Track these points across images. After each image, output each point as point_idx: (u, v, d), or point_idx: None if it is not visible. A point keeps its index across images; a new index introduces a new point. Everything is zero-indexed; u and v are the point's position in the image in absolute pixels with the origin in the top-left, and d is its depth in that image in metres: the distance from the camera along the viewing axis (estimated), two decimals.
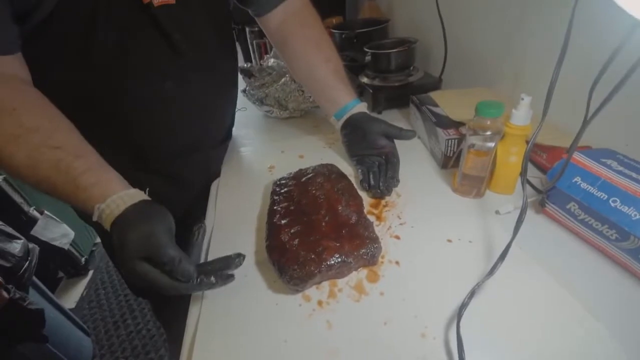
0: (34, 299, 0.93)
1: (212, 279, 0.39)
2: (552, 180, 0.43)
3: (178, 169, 0.61)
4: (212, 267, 0.40)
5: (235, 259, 0.41)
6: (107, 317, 1.47)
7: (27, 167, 0.37)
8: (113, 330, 1.40)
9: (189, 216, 0.60)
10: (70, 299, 1.57)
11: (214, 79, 0.58)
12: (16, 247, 0.97)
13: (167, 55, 0.49)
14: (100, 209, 0.38)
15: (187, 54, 0.51)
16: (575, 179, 0.41)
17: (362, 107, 0.61)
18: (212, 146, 0.67)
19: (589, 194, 0.39)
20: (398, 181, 0.55)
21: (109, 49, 0.45)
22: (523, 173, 0.41)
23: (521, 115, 0.45)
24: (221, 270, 0.40)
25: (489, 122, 0.45)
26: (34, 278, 1.04)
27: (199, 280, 0.38)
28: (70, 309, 1.31)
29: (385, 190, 0.53)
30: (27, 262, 0.97)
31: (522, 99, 0.44)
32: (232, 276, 0.41)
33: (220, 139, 0.69)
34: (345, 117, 0.61)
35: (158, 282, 0.36)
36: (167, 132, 0.56)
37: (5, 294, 0.80)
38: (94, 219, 0.39)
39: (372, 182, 0.55)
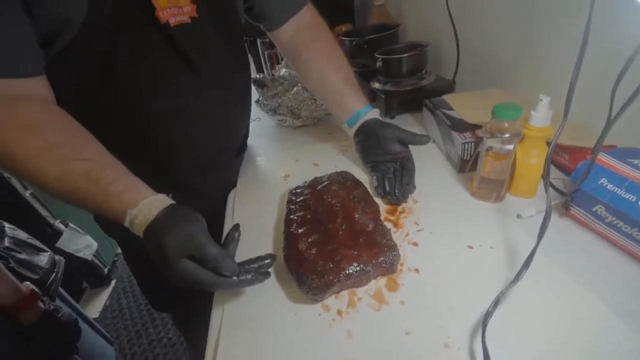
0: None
1: (250, 275, 0.41)
2: (576, 182, 0.42)
3: (197, 183, 0.62)
4: (248, 265, 0.42)
5: (267, 259, 0.43)
6: (129, 326, 1.50)
7: (57, 180, 0.39)
8: (135, 339, 1.43)
9: (208, 228, 0.61)
10: (94, 308, 1.61)
11: (229, 93, 0.59)
12: (43, 259, 1.01)
13: (184, 73, 0.51)
14: (133, 215, 0.39)
15: (203, 72, 0.52)
16: (601, 181, 0.40)
17: (374, 113, 0.61)
18: (229, 159, 0.68)
19: (617, 196, 0.38)
20: (414, 187, 0.55)
21: (128, 70, 0.46)
22: (546, 176, 0.40)
23: (540, 117, 0.44)
24: (256, 269, 0.42)
25: (506, 125, 0.45)
26: (60, 289, 1.08)
27: (240, 277, 0.40)
28: (94, 319, 1.35)
29: (401, 197, 0.53)
30: (54, 274, 1.01)
31: (541, 99, 0.43)
32: (268, 273, 0.43)
33: (236, 151, 0.70)
34: (358, 124, 0.61)
35: (205, 279, 0.38)
36: (185, 148, 0.58)
37: (41, 304, 0.83)
38: (126, 224, 0.40)
39: (387, 188, 0.55)
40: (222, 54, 0.56)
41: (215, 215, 0.62)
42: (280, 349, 0.37)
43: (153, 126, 0.53)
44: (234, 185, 0.67)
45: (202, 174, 0.62)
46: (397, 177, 0.55)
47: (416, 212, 0.52)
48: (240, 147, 0.72)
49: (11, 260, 0.88)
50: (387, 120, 0.78)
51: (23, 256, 0.94)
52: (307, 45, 0.63)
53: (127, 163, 0.44)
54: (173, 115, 0.53)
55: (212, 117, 0.58)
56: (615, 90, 0.36)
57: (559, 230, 0.44)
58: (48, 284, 0.96)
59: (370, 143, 0.60)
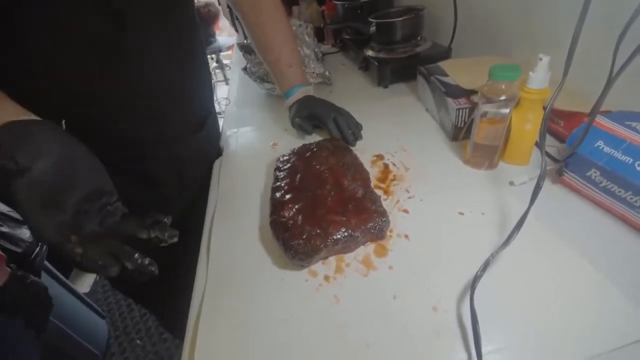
0: (48, 284, 0.94)
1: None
2: (572, 145, 0.41)
3: (145, 164, 0.53)
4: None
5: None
6: (120, 300, 1.50)
7: None
8: (127, 312, 1.44)
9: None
10: (84, 283, 1.60)
11: (169, 52, 0.49)
12: (26, 232, 0.98)
13: (108, 23, 0.41)
14: None
15: (132, 24, 0.42)
16: (598, 144, 0.38)
17: (305, 91, 0.65)
18: (180, 137, 0.56)
19: (613, 159, 0.37)
20: (360, 125, 0.61)
21: (38, 20, 0.37)
22: (541, 137, 0.38)
23: (539, 78, 0.42)
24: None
25: (503, 87, 0.42)
26: (47, 263, 1.06)
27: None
28: (85, 294, 1.34)
29: (358, 136, 0.60)
30: (38, 247, 0.98)
31: (540, 59, 0.41)
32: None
33: (191, 128, 0.59)
34: (290, 101, 0.66)
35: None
36: (120, 120, 0.48)
37: (7, 268, 0.80)
38: None
39: (342, 132, 0.59)
40: (157, 4, 0.45)
41: (167, 206, 0.57)
42: (266, 314, 0.36)
43: (78, 94, 0.43)
44: (191, 169, 0.59)
45: (148, 152, 0.52)
46: (340, 123, 0.59)
47: (407, 179, 0.50)
48: (197, 124, 0.60)
49: None
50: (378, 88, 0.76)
51: (4, 229, 0.92)
52: (249, 14, 0.63)
53: None
54: (99, 79, 0.43)
55: (150, 82, 0.48)
56: (618, 49, 0.34)
57: (550, 196, 0.43)
58: (32, 257, 0.94)
59: (303, 113, 0.63)
